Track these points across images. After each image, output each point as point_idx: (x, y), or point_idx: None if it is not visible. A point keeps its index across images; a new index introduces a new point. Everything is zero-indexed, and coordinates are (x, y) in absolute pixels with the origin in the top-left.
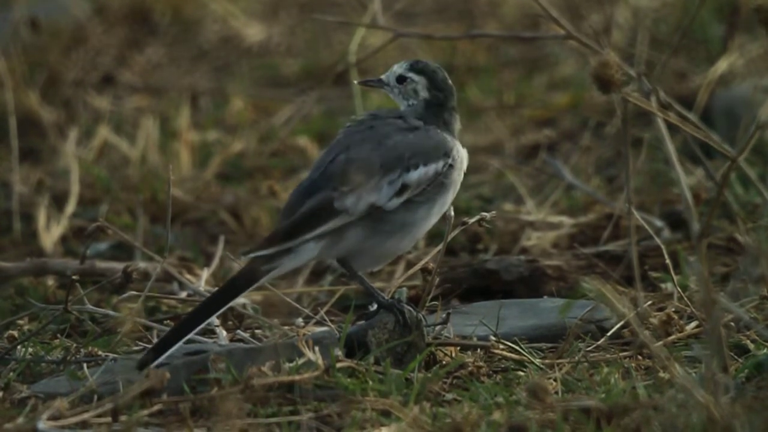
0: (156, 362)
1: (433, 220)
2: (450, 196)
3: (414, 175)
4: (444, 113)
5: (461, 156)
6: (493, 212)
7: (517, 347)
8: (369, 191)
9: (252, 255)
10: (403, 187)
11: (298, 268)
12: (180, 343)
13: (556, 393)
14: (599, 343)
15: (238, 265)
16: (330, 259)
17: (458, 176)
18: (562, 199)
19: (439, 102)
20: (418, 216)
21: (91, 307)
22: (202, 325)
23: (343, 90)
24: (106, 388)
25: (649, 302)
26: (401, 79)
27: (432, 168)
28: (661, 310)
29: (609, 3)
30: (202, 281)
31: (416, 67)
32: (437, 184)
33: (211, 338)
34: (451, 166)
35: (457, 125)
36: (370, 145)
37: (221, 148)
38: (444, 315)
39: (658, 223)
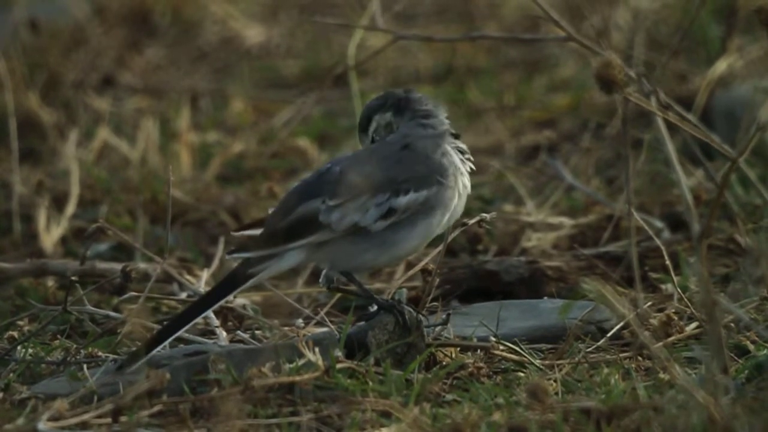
0: (143, 360)
1: (416, 241)
2: (437, 217)
3: (403, 201)
4: (422, 128)
5: (462, 176)
6: (493, 213)
7: (517, 348)
8: (354, 210)
9: (236, 256)
10: (390, 211)
11: (295, 270)
12: (165, 343)
13: (556, 394)
14: (599, 344)
15: (233, 264)
16: (317, 264)
17: (453, 194)
18: (562, 200)
19: (410, 119)
20: (399, 236)
21: (90, 307)
22: (188, 326)
23: (343, 91)
24: (107, 389)
25: (649, 303)
26: (388, 126)
27: (423, 194)
28: (661, 311)
29: (609, 4)
30: (202, 282)
31: (377, 108)
32: (426, 207)
33: (211, 339)
34: (443, 185)
35: (442, 128)
36: (368, 164)
37: (221, 150)
38: (444, 316)
39: (658, 224)
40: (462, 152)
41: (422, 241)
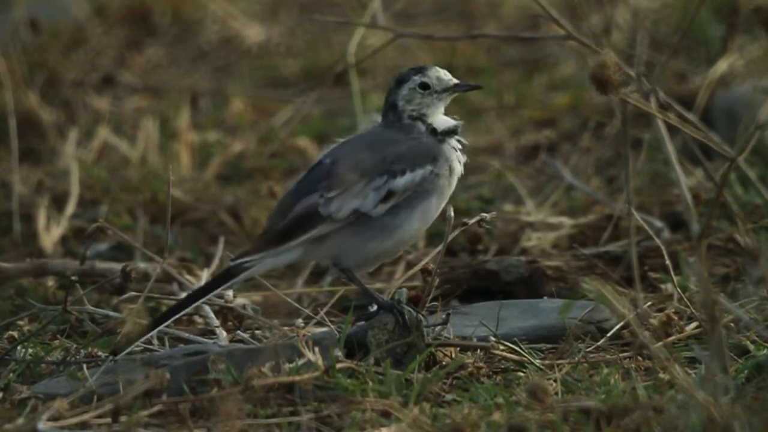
0: (134, 344)
1: (416, 224)
2: (434, 201)
3: (400, 182)
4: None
5: (450, 161)
6: (493, 213)
7: (516, 348)
8: (353, 197)
9: (240, 262)
10: (389, 194)
11: (295, 269)
12: (155, 331)
13: (556, 394)
14: (599, 343)
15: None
16: (319, 261)
17: (446, 181)
18: (562, 200)
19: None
20: (399, 219)
21: (90, 307)
22: (178, 316)
23: (342, 91)
24: (106, 389)
25: (649, 303)
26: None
27: (419, 174)
28: (661, 310)
29: (609, 4)
30: (202, 282)
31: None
32: (422, 190)
33: (211, 339)
34: (437, 174)
35: (433, 119)
36: (359, 152)
37: (221, 149)
38: (444, 316)
39: (658, 223)
40: (454, 131)
41: (423, 225)
